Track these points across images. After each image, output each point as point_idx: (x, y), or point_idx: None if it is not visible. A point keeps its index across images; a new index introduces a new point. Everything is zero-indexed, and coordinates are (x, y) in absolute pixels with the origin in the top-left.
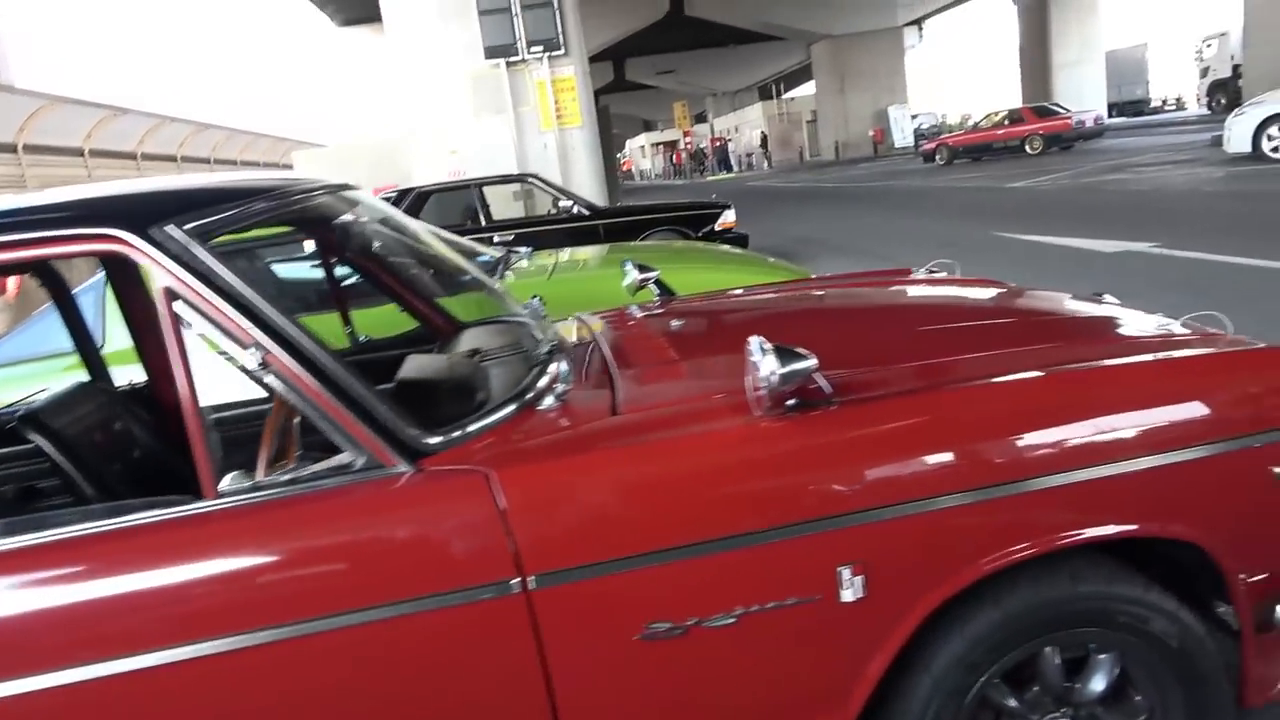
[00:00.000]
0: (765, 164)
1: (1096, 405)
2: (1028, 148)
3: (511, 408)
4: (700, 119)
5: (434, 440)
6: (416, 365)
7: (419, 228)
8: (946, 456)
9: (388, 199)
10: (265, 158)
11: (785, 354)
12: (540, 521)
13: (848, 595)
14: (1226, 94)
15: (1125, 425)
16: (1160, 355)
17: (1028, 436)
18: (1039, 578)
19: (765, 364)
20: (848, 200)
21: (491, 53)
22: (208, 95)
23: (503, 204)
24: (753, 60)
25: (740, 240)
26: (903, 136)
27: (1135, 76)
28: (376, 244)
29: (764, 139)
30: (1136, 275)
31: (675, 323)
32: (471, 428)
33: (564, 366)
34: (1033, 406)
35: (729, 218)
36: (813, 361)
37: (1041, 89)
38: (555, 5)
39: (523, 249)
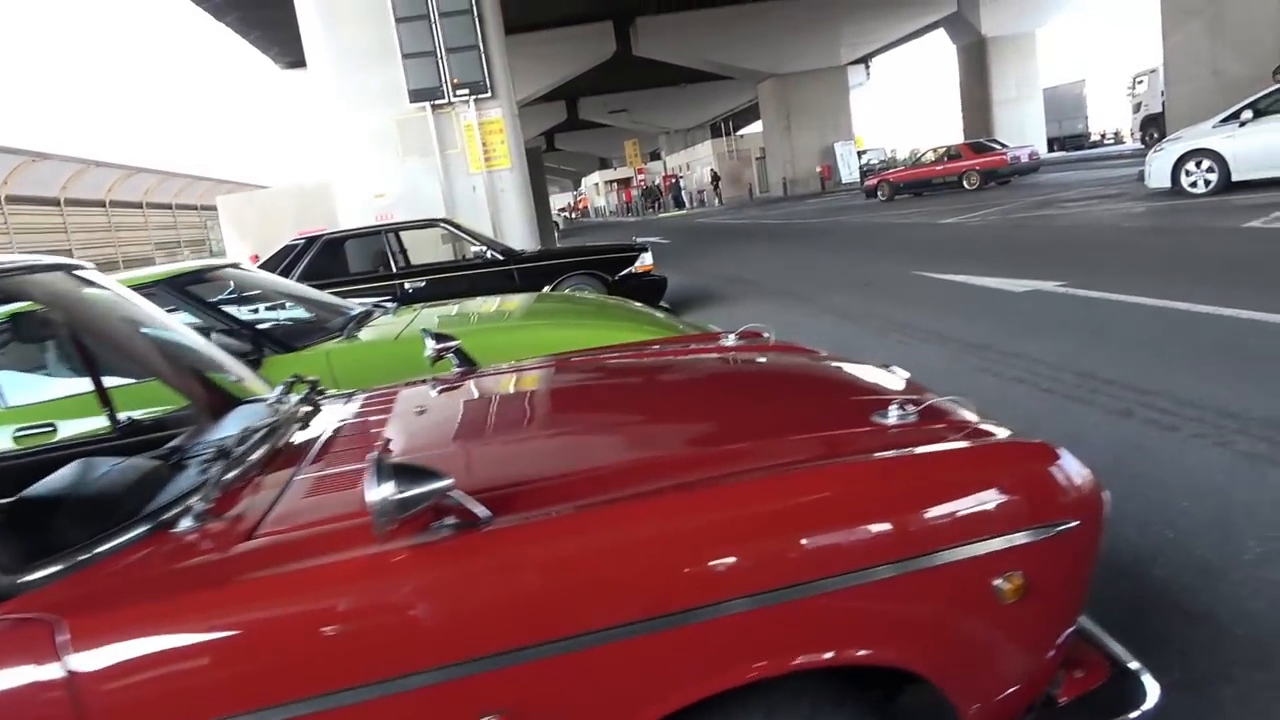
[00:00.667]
0: (716, 200)
1: (790, 517)
2: (965, 183)
3: (135, 531)
4: (655, 156)
5: (26, 578)
6: (58, 477)
7: (151, 309)
8: (606, 587)
9: (292, 246)
10: (203, 200)
11: (411, 474)
12: (116, 687)
13: None
14: (1158, 128)
15: (821, 538)
16: (883, 454)
17: (706, 559)
18: (733, 716)
19: (376, 488)
20: (786, 238)
21: (416, 96)
22: (144, 138)
23: (429, 248)
24: (704, 99)
25: (658, 284)
26: (849, 172)
27: (1074, 111)
28: (93, 325)
29: (714, 176)
30: (1041, 315)
31: (416, 407)
32: (69, 561)
33: (214, 473)
34: (716, 522)
35: (646, 260)
36: (443, 483)
37: (983, 125)
38: (480, 48)
39: (389, 304)
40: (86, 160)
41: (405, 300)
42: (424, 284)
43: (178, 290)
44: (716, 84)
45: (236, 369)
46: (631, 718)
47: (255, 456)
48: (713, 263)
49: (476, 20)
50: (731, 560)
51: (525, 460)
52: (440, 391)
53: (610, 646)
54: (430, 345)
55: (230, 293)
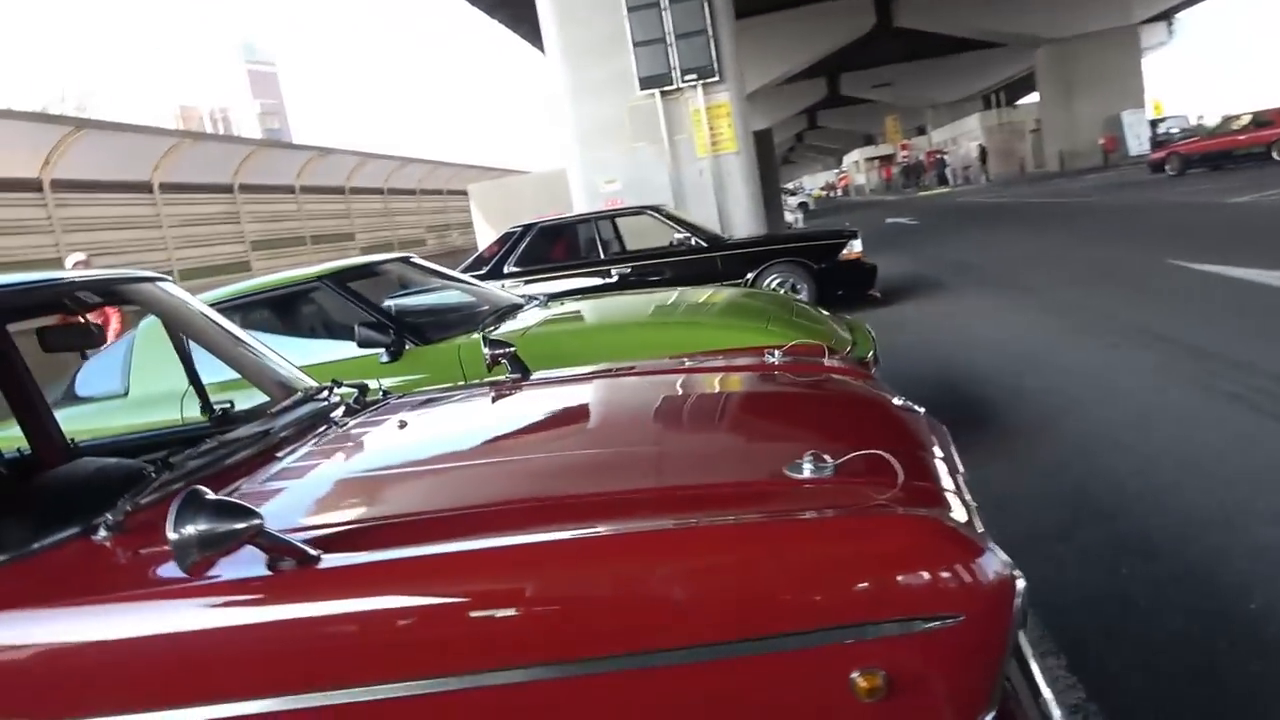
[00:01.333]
0: (983, 177)
1: (603, 581)
2: (1275, 154)
3: (58, 535)
4: (921, 131)
5: None
6: (55, 474)
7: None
8: (391, 645)
9: (510, 233)
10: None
11: (221, 510)
12: None
13: None
14: None
15: (642, 609)
16: (743, 516)
17: (496, 622)
18: None
19: (176, 524)
20: (1041, 219)
21: (646, 83)
22: (420, 130)
23: (655, 234)
24: (973, 69)
25: (865, 271)
26: (1138, 144)
27: None
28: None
29: (982, 151)
30: None
31: (400, 421)
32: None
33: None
34: (510, 584)
35: (855, 248)
36: (247, 524)
37: None
38: (709, 33)
39: (539, 297)
40: (366, 154)
41: (611, 287)
42: (629, 270)
43: (338, 284)
44: (986, 52)
45: (286, 371)
46: None
47: (194, 465)
48: (949, 246)
49: (706, 5)
50: (525, 625)
51: (401, 496)
52: (448, 404)
53: (379, 704)
54: (487, 351)
55: (401, 286)
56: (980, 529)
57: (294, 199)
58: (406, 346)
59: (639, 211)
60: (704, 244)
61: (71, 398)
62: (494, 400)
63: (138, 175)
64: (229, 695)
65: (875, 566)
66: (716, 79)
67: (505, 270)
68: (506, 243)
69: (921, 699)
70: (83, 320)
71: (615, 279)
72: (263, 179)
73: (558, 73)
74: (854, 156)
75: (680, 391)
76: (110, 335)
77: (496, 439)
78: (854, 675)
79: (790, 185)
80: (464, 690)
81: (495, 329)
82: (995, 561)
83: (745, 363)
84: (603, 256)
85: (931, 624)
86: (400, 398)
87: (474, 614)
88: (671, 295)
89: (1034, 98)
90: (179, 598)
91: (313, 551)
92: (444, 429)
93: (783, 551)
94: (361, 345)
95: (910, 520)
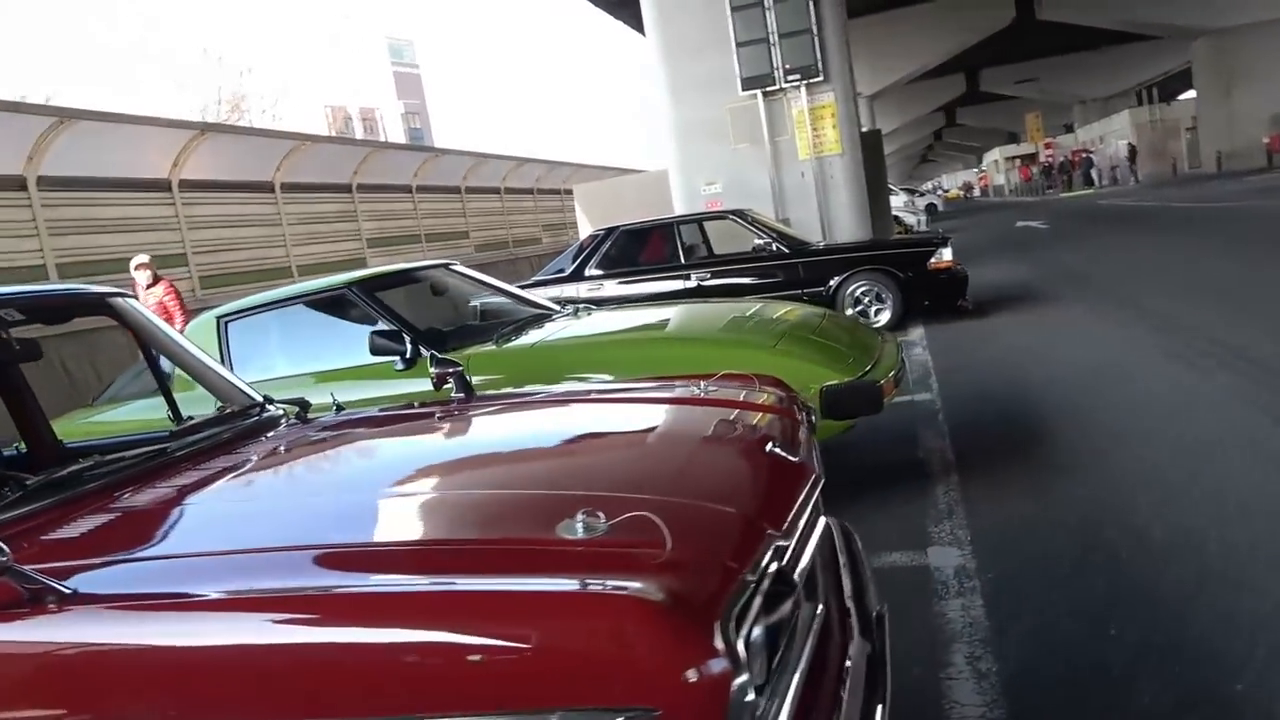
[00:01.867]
0: (1132, 178)
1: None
2: None
3: None
4: (1069, 129)
5: None
6: None
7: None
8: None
9: (594, 235)
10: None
11: None
12: None
13: None
14: None
15: (329, 676)
16: (446, 584)
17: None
18: None
19: None
20: (1181, 225)
21: (748, 84)
22: (541, 130)
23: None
24: (1125, 63)
25: (956, 280)
26: None
27: None
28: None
29: (1131, 150)
30: None
31: (284, 444)
32: None
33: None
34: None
35: (944, 256)
36: None
37: None
38: (814, 32)
39: (575, 308)
40: (482, 154)
41: (689, 293)
42: (709, 276)
43: (364, 292)
44: (1139, 45)
45: (232, 384)
46: None
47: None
48: (1072, 254)
49: (811, 4)
50: (219, 675)
51: (188, 532)
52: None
53: None
54: (434, 370)
55: (437, 291)
56: (720, 615)
57: (410, 198)
58: (423, 354)
59: (721, 215)
60: (785, 250)
61: (122, 394)
62: (384, 427)
63: (260, 176)
64: None
65: (570, 647)
66: (821, 79)
67: (586, 273)
68: (588, 246)
69: None
70: (5, 336)
71: (694, 284)
72: (380, 179)
73: (658, 71)
74: (994, 155)
75: (557, 425)
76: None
77: (332, 477)
78: None
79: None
80: None
81: (511, 339)
82: (707, 654)
83: (670, 394)
84: (682, 261)
85: (624, 716)
86: (339, 416)
87: (185, 670)
88: (706, 309)
89: (1192, 94)
90: None
91: (63, 589)
92: (302, 459)
93: (472, 624)
94: (374, 353)
95: (618, 600)
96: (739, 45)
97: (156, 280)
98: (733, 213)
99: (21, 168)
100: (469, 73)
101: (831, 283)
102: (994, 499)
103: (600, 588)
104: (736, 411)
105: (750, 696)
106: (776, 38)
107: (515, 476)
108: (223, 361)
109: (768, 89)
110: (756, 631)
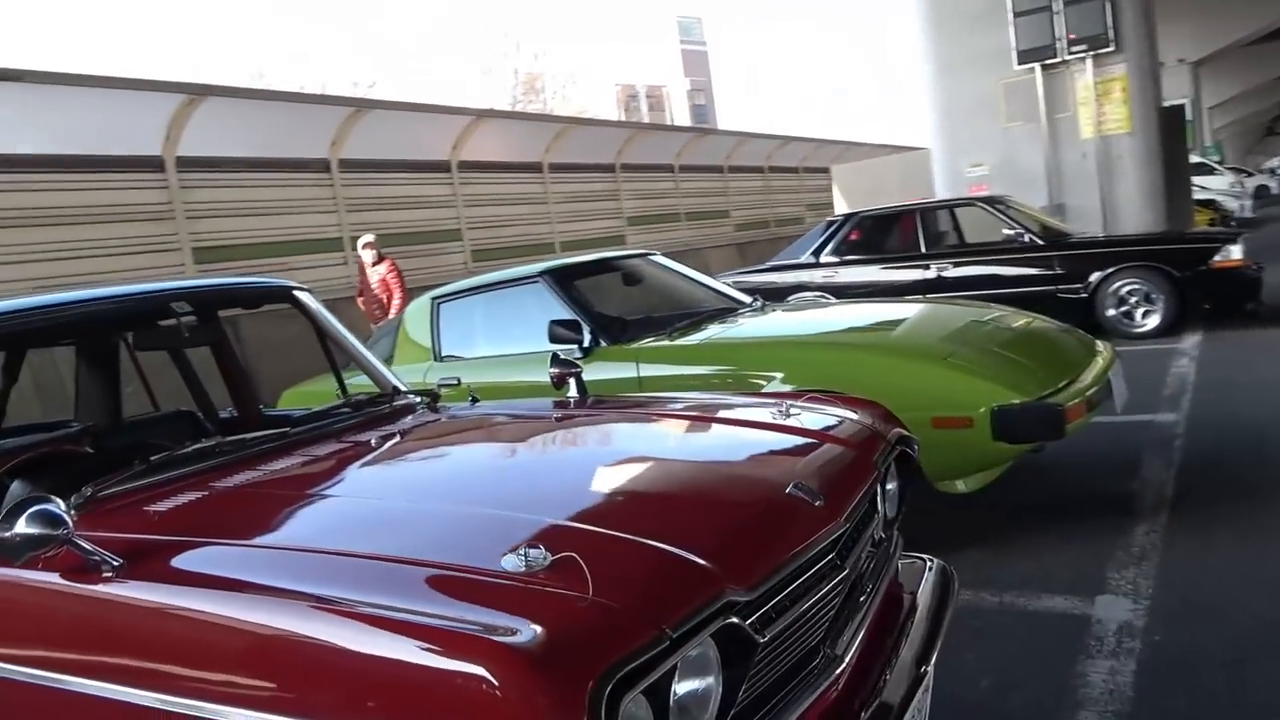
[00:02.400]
0: None
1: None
2: None
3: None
4: None
5: None
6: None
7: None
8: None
9: (831, 221)
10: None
11: (40, 518)
12: None
13: None
14: None
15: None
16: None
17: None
18: None
19: (14, 518)
20: None
21: (1025, 56)
22: (811, 109)
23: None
24: None
25: (1245, 282)
26: None
27: None
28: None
29: None
30: None
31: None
32: None
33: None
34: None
35: (1233, 254)
36: (56, 533)
37: None
38: None
39: (756, 303)
40: (746, 133)
41: (928, 285)
42: (949, 266)
43: (554, 281)
44: None
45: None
46: None
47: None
48: None
49: None
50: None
51: (252, 520)
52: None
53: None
54: (553, 370)
55: (630, 281)
56: (598, 673)
57: (671, 177)
58: (599, 345)
59: (969, 203)
60: (1039, 241)
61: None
62: (478, 426)
63: (530, 157)
64: (31, 664)
65: (439, 682)
66: (1111, 49)
67: (822, 259)
68: (827, 230)
69: None
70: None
71: (934, 275)
72: (642, 159)
73: (922, 44)
74: None
75: (604, 441)
76: (393, 310)
77: (379, 478)
78: None
79: (1272, 162)
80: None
81: (685, 334)
82: (562, 714)
83: (737, 415)
84: (923, 250)
85: None
86: (464, 409)
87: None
88: (903, 310)
89: None
90: (23, 582)
91: (114, 560)
92: (374, 456)
93: (362, 642)
94: (553, 341)
95: (490, 644)
96: (1016, 15)
97: (381, 259)
98: (982, 199)
99: (327, 152)
100: (754, 48)
101: (1091, 279)
102: (1200, 551)
103: (478, 628)
104: (787, 442)
105: None
106: (1061, 4)
107: (517, 493)
108: (433, 339)
109: (1047, 61)
110: (683, 689)
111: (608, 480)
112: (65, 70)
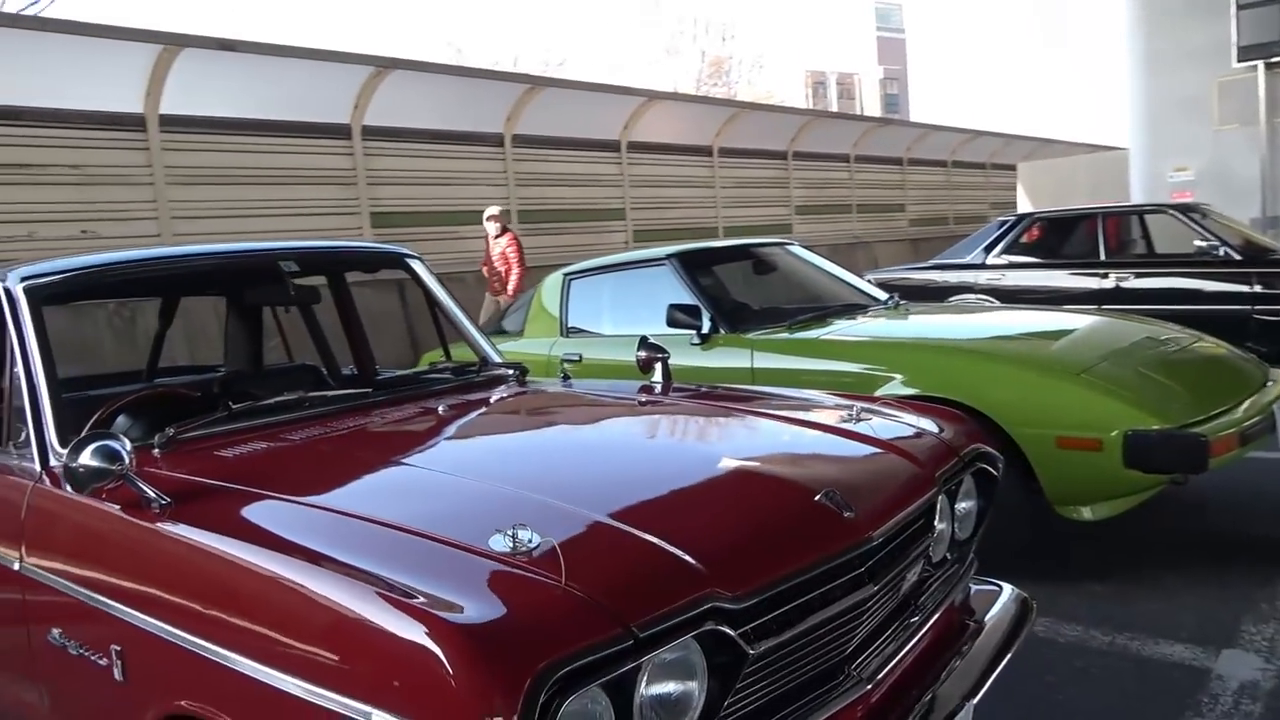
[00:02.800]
0: None
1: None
2: None
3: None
4: None
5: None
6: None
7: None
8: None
9: (1003, 221)
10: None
11: (104, 453)
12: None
13: (116, 673)
14: None
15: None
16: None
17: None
18: None
19: (71, 455)
20: None
21: (1247, 53)
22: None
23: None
24: None
25: None
26: None
27: None
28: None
29: None
30: None
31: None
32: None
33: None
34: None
35: None
36: (114, 468)
37: None
38: None
39: (891, 301)
40: (928, 125)
41: (1104, 296)
42: (1130, 277)
43: (681, 265)
44: None
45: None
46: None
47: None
48: None
49: None
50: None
51: (298, 477)
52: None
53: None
54: (641, 353)
55: (762, 269)
56: (539, 667)
57: (846, 168)
58: (717, 332)
59: (1159, 209)
60: (1235, 256)
61: (499, 331)
62: (536, 408)
63: (700, 140)
64: (89, 586)
65: (396, 652)
66: None
67: (988, 260)
68: (998, 229)
69: None
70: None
71: (1112, 284)
72: (816, 147)
73: (1128, 37)
74: None
75: (658, 430)
76: (510, 283)
77: (429, 445)
78: None
79: None
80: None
81: (806, 328)
82: (495, 704)
83: (801, 414)
84: (1102, 257)
85: None
86: (550, 385)
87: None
88: (1068, 320)
89: None
90: (86, 508)
91: (163, 501)
92: (433, 425)
93: (337, 603)
94: (670, 325)
95: (443, 623)
96: (1240, 7)
97: (504, 232)
98: (1174, 206)
99: (501, 126)
100: (955, 39)
101: None
102: None
103: (433, 602)
104: (840, 448)
105: None
106: None
107: (544, 474)
108: (561, 314)
109: (1273, 59)
110: (655, 691)
111: (637, 470)
112: (271, 41)
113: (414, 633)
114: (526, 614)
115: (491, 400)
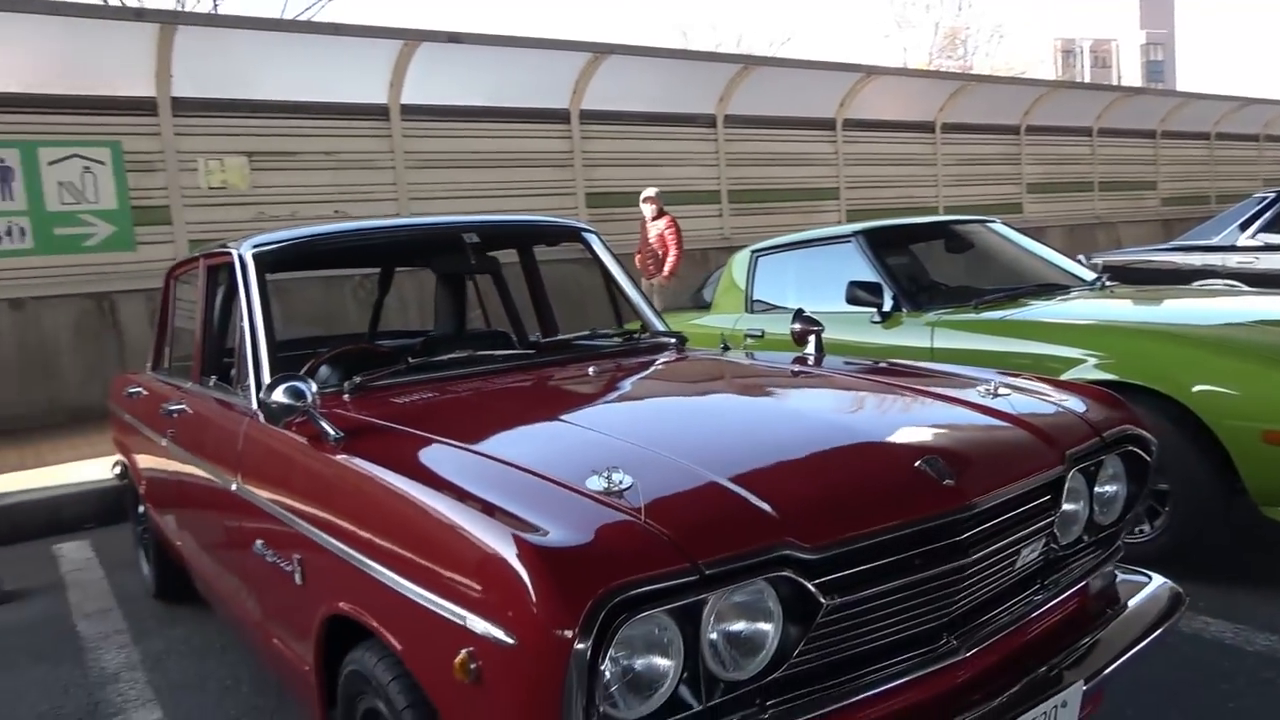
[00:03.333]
0: None
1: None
2: None
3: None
4: None
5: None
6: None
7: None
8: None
9: (1261, 198)
10: None
11: (294, 393)
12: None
13: (297, 578)
14: None
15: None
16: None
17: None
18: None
19: (266, 391)
20: None
21: None
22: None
23: None
24: None
25: None
26: None
27: None
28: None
29: None
30: None
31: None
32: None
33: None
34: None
35: None
36: (299, 405)
37: None
38: None
39: (1098, 282)
40: (1185, 94)
41: None
42: None
43: (867, 243)
44: None
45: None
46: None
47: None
48: None
49: None
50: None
51: (455, 423)
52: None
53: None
54: (796, 325)
55: (959, 248)
56: (601, 590)
57: (1088, 142)
58: (899, 310)
59: None
60: None
61: (698, 305)
62: (684, 374)
63: (921, 116)
64: (279, 505)
65: (481, 571)
66: None
67: (1239, 241)
68: (1255, 207)
69: (495, 699)
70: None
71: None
72: (1053, 120)
73: None
74: None
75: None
76: (667, 266)
77: (572, 398)
78: (463, 651)
79: None
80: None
81: (992, 309)
82: (562, 617)
83: (953, 392)
84: None
85: (502, 636)
86: (709, 353)
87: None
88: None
89: None
90: (281, 439)
91: (337, 435)
92: (582, 385)
93: (428, 531)
94: (850, 302)
95: (529, 545)
96: None
97: (660, 214)
98: None
99: (713, 107)
100: None
101: None
102: None
103: (524, 526)
104: (962, 418)
105: (608, 671)
106: None
107: (662, 428)
108: (747, 290)
109: None
110: (728, 628)
111: (747, 429)
112: (494, 33)
113: (507, 551)
114: (602, 543)
115: (643, 365)
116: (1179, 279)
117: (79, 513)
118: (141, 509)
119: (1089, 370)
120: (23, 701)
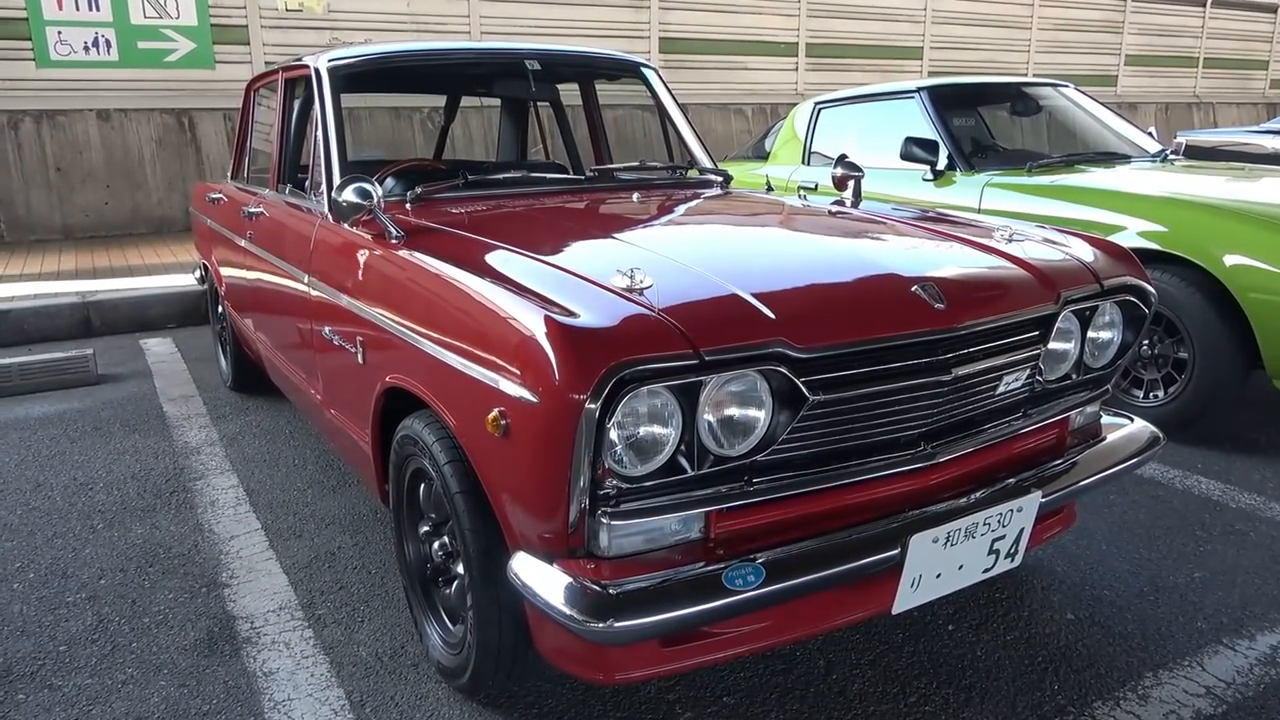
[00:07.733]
0: None
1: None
2: None
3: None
4: None
5: None
6: None
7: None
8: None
9: None
10: None
11: (361, 194)
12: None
13: (359, 358)
14: None
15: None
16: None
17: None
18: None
19: (337, 191)
20: None
21: None
22: None
23: None
24: None
25: None
26: None
27: None
28: None
29: None
30: None
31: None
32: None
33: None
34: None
35: None
36: (366, 203)
37: None
38: None
39: (1161, 154)
40: None
41: None
42: None
43: (930, 99)
44: None
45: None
46: (379, 379)
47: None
48: None
49: None
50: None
51: (513, 229)
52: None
53: (374, 325)
54: (837, 170)
55: (1026, 111)
56: (609, 363)
57: (1199, 13)
58: (952, 170)
59: None
60: None
61: (759, 155)
62: (721, 207)
63: None
64: (348, 293)
65: (515, 344)
66: None
67: None
68: None
69: (519, 451)
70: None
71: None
72: None
73: None
74: None
75: (809, 228)
76: None
77: (620, 219)
78: (495, 410)
79: None
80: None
81: (1045, 173)
82: (576, 383)
83: (967, 235)
84: None
85: (522, 395)
86: (750, 192)
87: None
88: None
89: None
90: (348, 236)
91: (399, 234)
92: (626, 207)
93: (482, 304)
94: (904, 158)
95: (554, 323)
96: None
97: None
98: None
99: None
100: None
101: None
102: None
103: (555, 309)
104: (966, 256)
105: (614, 434)
106: None
107: (688, 244)
108: (806, 142)
109: None
110: (723, 411)
111: (766, 250)
112: None
113: (537, 328)
114: (618, 327)
115: (687, 198)
116: (1260, 163)
117: (163, 313)
118: (220, 307)
119: (1130, 238)
120: (119, 462)
